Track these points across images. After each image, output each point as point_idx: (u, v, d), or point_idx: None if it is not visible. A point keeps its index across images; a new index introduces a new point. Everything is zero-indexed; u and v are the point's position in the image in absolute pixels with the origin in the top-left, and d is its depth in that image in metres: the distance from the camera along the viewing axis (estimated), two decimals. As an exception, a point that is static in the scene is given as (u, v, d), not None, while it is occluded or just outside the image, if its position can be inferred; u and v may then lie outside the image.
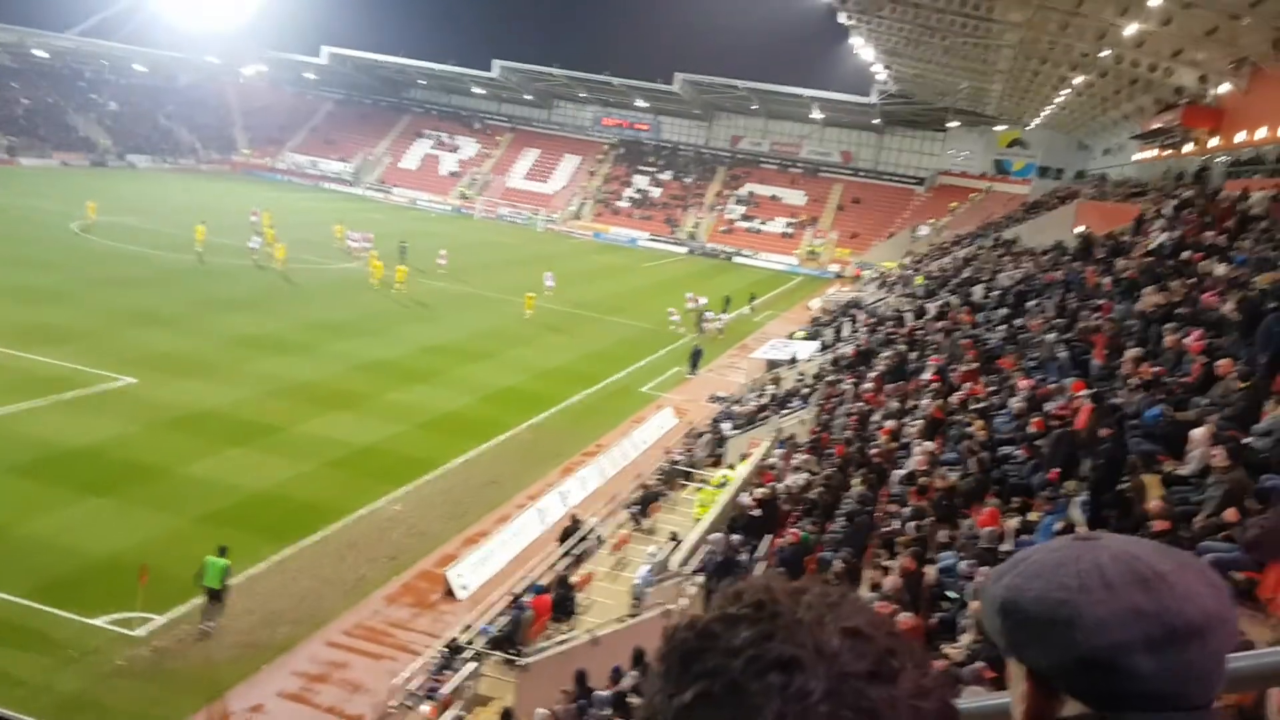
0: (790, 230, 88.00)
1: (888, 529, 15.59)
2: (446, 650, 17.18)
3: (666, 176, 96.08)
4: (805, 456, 21.95)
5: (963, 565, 12.43)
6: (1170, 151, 45.17)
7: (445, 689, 16.04)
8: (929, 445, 18.46)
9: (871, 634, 0.87)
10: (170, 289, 41.20)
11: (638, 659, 14.34)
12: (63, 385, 27.60)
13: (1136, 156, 53.52)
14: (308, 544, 20.82)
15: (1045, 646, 1.12)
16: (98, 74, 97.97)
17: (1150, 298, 19.05)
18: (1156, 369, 15.41)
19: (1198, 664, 1.08)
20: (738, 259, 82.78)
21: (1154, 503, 10.99)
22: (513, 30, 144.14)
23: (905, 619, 11.34)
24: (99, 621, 16.84)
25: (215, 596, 17.48)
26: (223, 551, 17.59)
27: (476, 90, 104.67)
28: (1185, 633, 1.07)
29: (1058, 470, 13.95)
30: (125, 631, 16.72)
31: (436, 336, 39.67)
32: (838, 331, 43.56)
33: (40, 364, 29.03)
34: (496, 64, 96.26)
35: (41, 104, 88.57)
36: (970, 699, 1.80)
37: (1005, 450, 16.37)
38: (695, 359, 40.84)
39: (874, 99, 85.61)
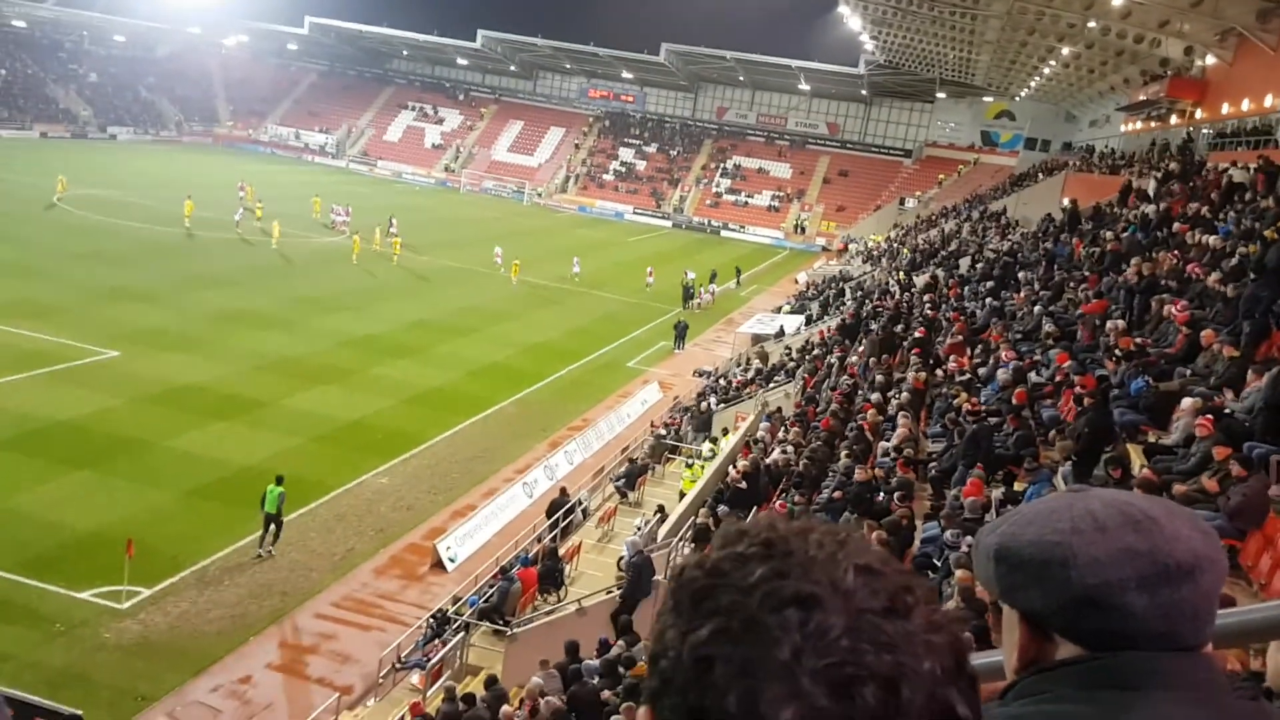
0: (777, 204, 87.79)
1: (873, 500, 15.64)
2: (435, 621, 17.24)
3: (652, 149, 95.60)
4: (792, 429, 22.00)
5: (947, 535, 12.51)
6: (1156, 123, 45.19)
7: (434, 659, 16.11)
8: (911, 417, 18.54)
9: (884, 570, 0.87)
10: (154, 263, 40.91)
11: (625, 629, 14.43)
12: (45, 359, 27.43)
13: (1123, 128, 53.54)
14: (295, 517, 20.80)
15: (1041, 588, 1.14)
16: (77, 44, 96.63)
17: (1135, 269, 19.09)
18: (1140, 340, 15.49)
19: (1189, 603, 1.11)
20: (725, 233, 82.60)
21: (1144, 471, 11.08)
22: (497, 0, 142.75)
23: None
24: (85, 595, 16.84)
25: (273, 522, 19.36)
26: (280, 480, 19.41)
27: (460, 61, 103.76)
28: (1177, 572, 1.10)
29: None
30: (112, 605, 16.71)
31: (422, 312, 39.54)
32: (824, 305, 43.60)
33: (22, 338, 28.83)
34: (481, 34, 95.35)
35: (20, 75, 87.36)
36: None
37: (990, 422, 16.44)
38: (681, 333, 40.81)
39: (861, 70, 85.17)
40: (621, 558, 19.51)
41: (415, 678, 15.87)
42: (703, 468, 23.12)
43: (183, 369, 28.24)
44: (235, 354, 30.35)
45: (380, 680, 16.05)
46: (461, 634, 16.88)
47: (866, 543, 0.91)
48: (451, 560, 20.19)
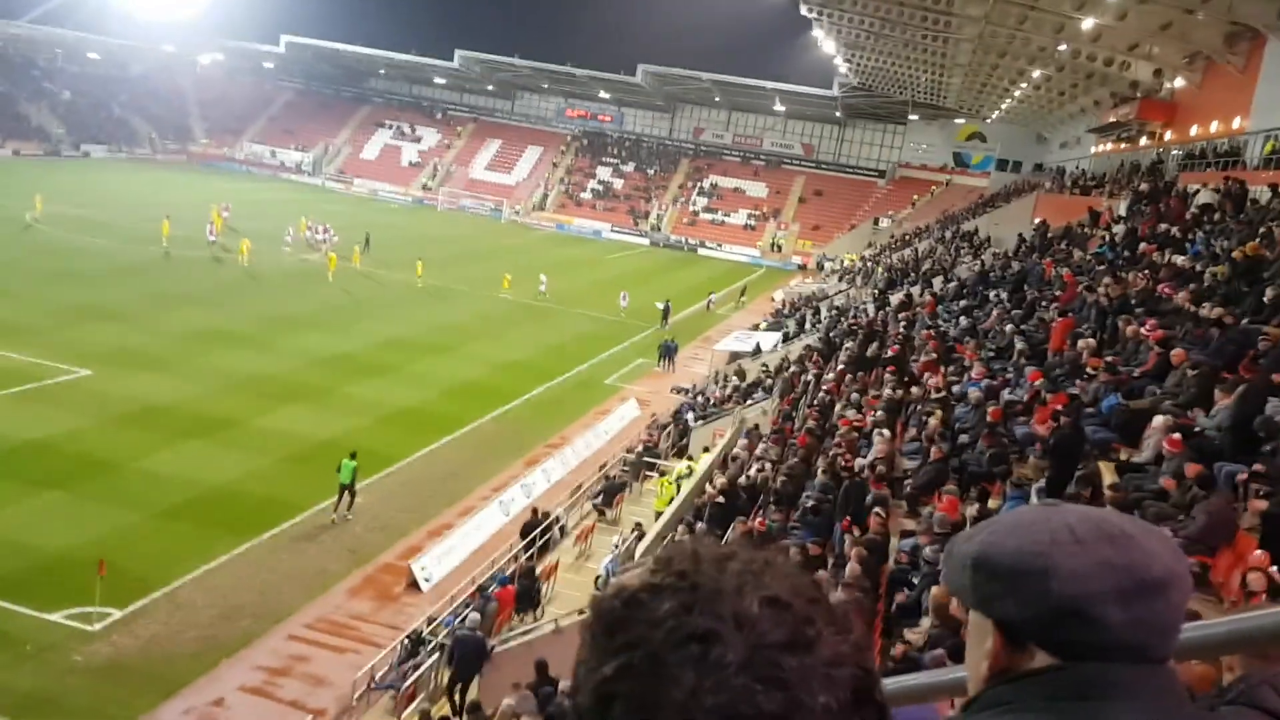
0: (753, 222, 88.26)
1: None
2: (409, 642, 17.10)
3: (629, 168, 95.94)
4: (768, 446, 22.06)
5: (926, 551, 12.57)
6: (1126, 144, 45.80)
7: (409, 681, 15.98)
8: (888, 434, 18.63)
9: (791, 602, 0.87)
10: (126, 282, 40.59)
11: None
12: (15, 379, 27.12)
13: (1093, 150, 54.21)
14: (267, 538, 20.64)
15: (1019, 598, 1.16)
16: (51, 62, 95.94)
17: (1105, 288, 19.32)
18: (1110, 358, 15.65)
19: (1161, 617, 1.15)
20: (701, 251, 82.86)
21: (1107, 490, 11.18)
22: (475, 20, 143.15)
23: (851, 600, 11.48)
24: (56, 617, 16.60)
25: (348, 491, 22.05)
26: (353, 455, 22.20)
27: (438, 80, 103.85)
28: (1152, 586, 1.13)
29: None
30: (83, 627, 16.49)
31: (396, 330, 39.38)
32: (801, 323, 43.80)
33: (-8, 357, 28.50)
34: (458, 54, 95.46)
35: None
36: (924, 674, 1.84)
37: (964, 439, 16.57)
38: (671, 354, 40.51)
39: (835, 92, 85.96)
40: (598, 576, 19.48)
41: (389, 700, 15.73)
42: (674, 485, 23.08)
43: (155, 388, 27.98)
44: (208, 373, 30.10)
45: (354, 703, 15.90)
46: (436, 655, 16.75)
47: (785, 571, 0.91)
48: (427, 580, 20.05)
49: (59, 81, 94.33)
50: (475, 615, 17.01)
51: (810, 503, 16.40)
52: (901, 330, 29.01)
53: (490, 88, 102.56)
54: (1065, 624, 1.13)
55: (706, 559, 0.91)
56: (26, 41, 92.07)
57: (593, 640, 0.89)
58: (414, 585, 19.89)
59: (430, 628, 17.60)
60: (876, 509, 14.63)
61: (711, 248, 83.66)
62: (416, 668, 16.38)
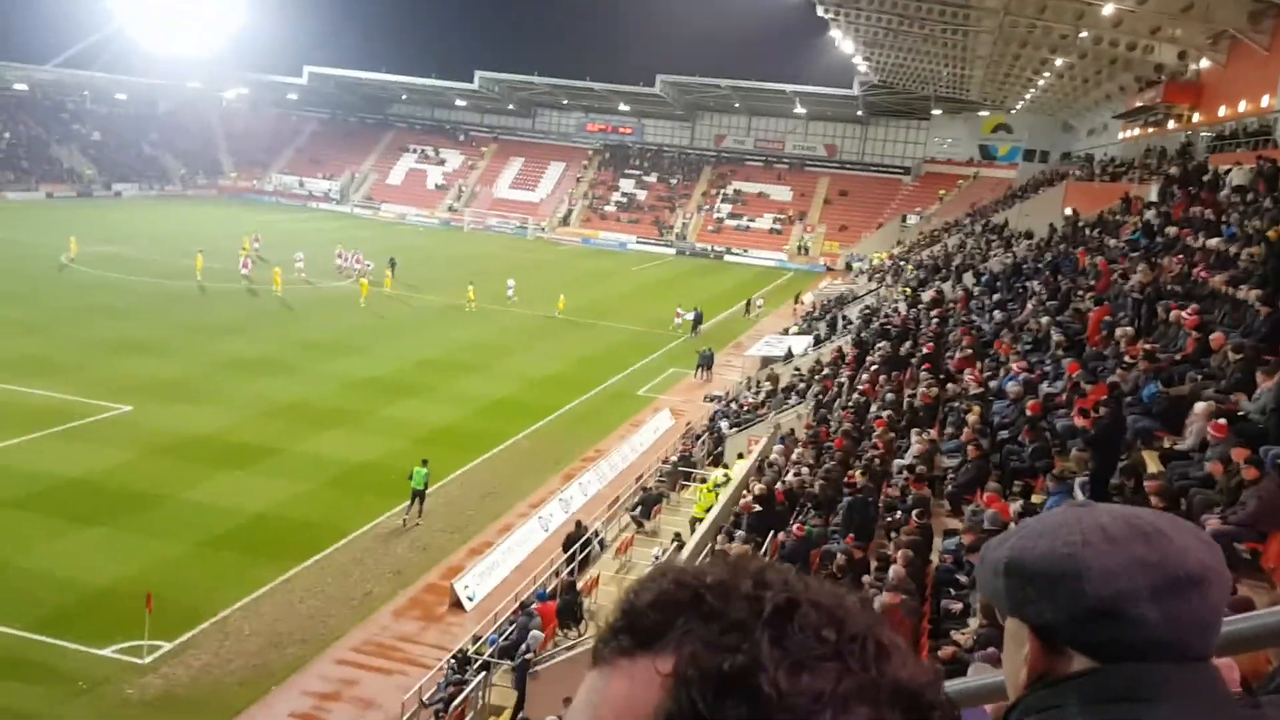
0: (778, 226, 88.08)
1: (891, 519, 15.58)
2: (456, 661, 17.14)
3: (652, 179, 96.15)
4: (804, 450, 21.94)
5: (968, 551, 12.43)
6: (1153, 129, 45.23)
7: (456, 700, 15.99)
8: (929, 434, 18.49)
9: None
10: (161, 316, 41.16)
11: None
12: (58, 417, 27.54)
13: (1121, 135, 53.59)
14: (311, 563, 20.79)
15: (1052, 600, 1.15)
16: (79, 104, 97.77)
17: (1141, 275, 19.06)
18: (1149, 345, 15.43)
19: (1198, 614, 1.12)
20: (728, 257, 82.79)
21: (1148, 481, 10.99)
22: (492, 41, 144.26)
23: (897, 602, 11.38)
24: (106, 651, 16.80)
25: (419, 497, 23.26)
26: (425, 463, 23.47)
27: (459, 103, 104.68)
28: (1186, 582, 1.11)
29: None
30: (134, 660, 16.68)
31: (428, 350, 39.64)
32: (832, 325, 43.58)
33: (35, 397, 28.96)
34: (478, 75, 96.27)
35: (24, 137, 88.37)
36: (966, 679, 1.80)
37: (1003, 435, 16.39)
38: (709, 363, 40.61)
39: (856, 91, 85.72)
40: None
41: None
42: (713, 493, 23.01)
43: (194, 420, 28.33)
44: (245, 402, 30.45)
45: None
46: (483, 674, 16.77)
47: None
48: (470, 599, 20.11)
49: (88, 123, 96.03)
50: (537, 633, 17.03)
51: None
52: (935, 327, 28.79)
53: (511, 107, 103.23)
54: (1101, 624, 1.12)
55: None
56: (55, 85, 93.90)
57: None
58: (457, 605, 19.95)
59: (475, 646, 17.63)
60: (916, 510, 14.51)
61: (738, 254, 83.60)
62: (463, 687, 16.39)
